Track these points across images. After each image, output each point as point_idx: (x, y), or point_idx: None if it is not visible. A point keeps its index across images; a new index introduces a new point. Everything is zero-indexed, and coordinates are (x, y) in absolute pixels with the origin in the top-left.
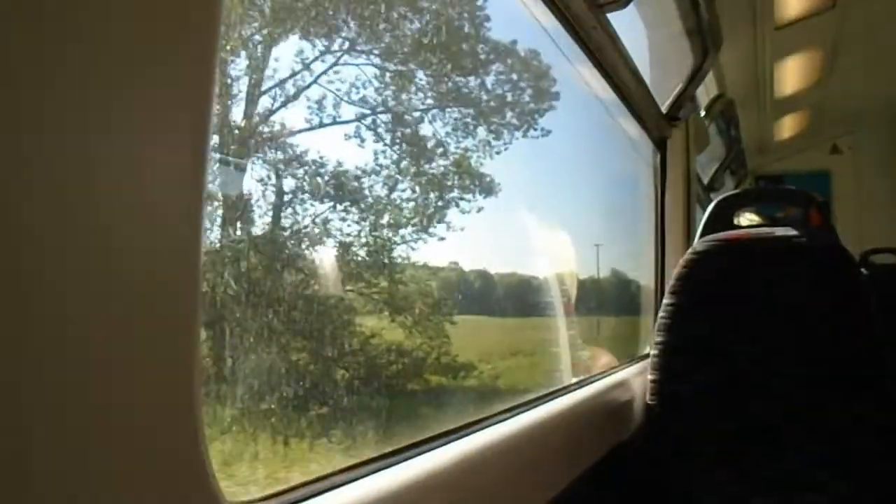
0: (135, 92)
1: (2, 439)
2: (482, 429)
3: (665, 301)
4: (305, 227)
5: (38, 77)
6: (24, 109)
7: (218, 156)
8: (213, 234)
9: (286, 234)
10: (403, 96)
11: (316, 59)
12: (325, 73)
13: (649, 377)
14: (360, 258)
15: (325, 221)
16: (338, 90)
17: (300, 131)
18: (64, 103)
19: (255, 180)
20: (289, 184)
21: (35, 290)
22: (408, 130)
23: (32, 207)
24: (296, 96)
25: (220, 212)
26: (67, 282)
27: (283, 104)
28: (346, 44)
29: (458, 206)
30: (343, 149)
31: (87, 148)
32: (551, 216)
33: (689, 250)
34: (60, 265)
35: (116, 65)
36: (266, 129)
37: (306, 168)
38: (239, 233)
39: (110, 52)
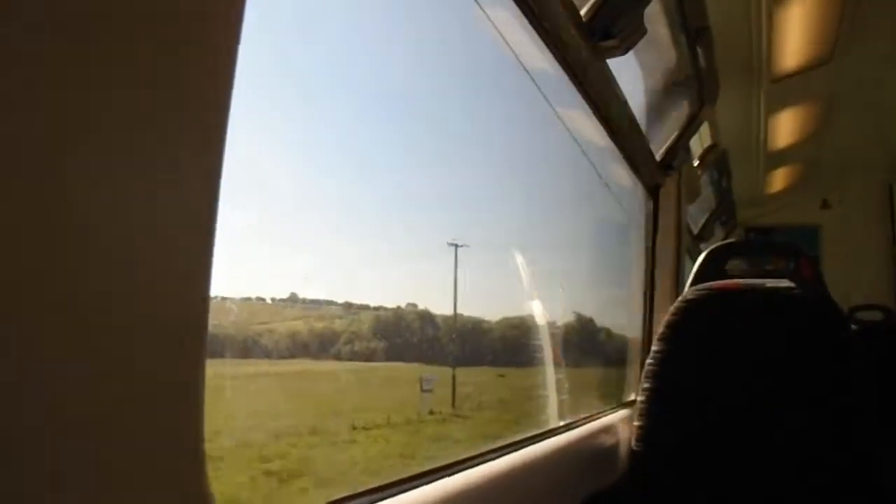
0: (149, 96)
1: (3, 438)
2: (461, 470)
3: (654, 348)
4: None
5: (52, 79)
6: (37, 111)
7: None
8: None
9: None
10: None
11: None
12: None
13: (635, 423)
14: None
15: None
16: None
17: None
18: (77, 105)
19: None
20: None
21: (43, 292)
22: None
23: (43, 210)
24: None
25: None
26: (76, 284)
27: None
28: None
29: None
30: None
31: (101, 150)
32: None
33: (680, 298)
34: (69, 267)
35: (132, 66)
36: None
37: None
38: None
39: (127, 53)
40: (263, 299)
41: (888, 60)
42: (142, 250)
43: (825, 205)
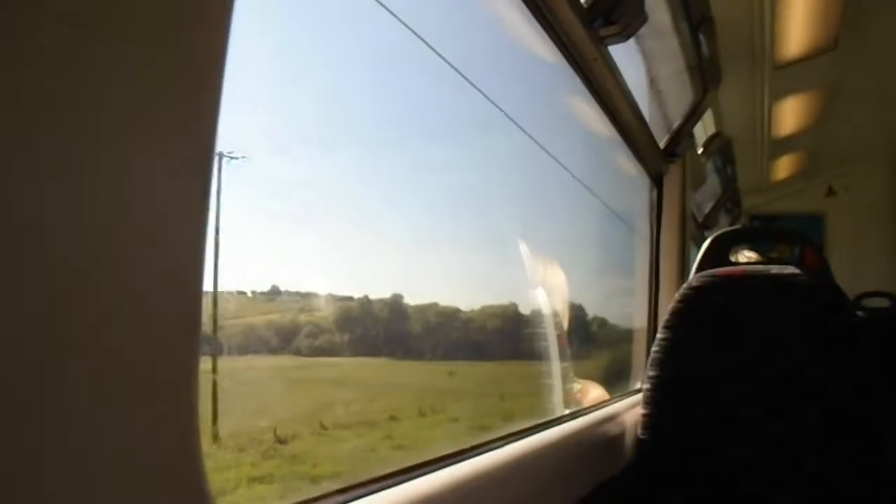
0: (140, 91)
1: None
2: (469, 457)
3: (659, 335)
4: None
5: (42, 76)
6: (27, 109)
7: None
8: None
9: None
10: None
11: None
12: None
13: (641, 411)
14: None
15: None
16: None
17: None
18: (67, 102)
19: None
20: None
21: (35, 290)
22: None
23: (33, 207)
24: None
25: None
26: (68, 282)
27: None
28: None
29: None
30: None
31: (92, 148)
32: None
33: (685, 285)
34: (61, 265)
35: (122, 64)
36: None
37: None
38: None
39: (116, 50)
40: None
41: (893, 48)
42: (134, 247)
43: (830, 192)
